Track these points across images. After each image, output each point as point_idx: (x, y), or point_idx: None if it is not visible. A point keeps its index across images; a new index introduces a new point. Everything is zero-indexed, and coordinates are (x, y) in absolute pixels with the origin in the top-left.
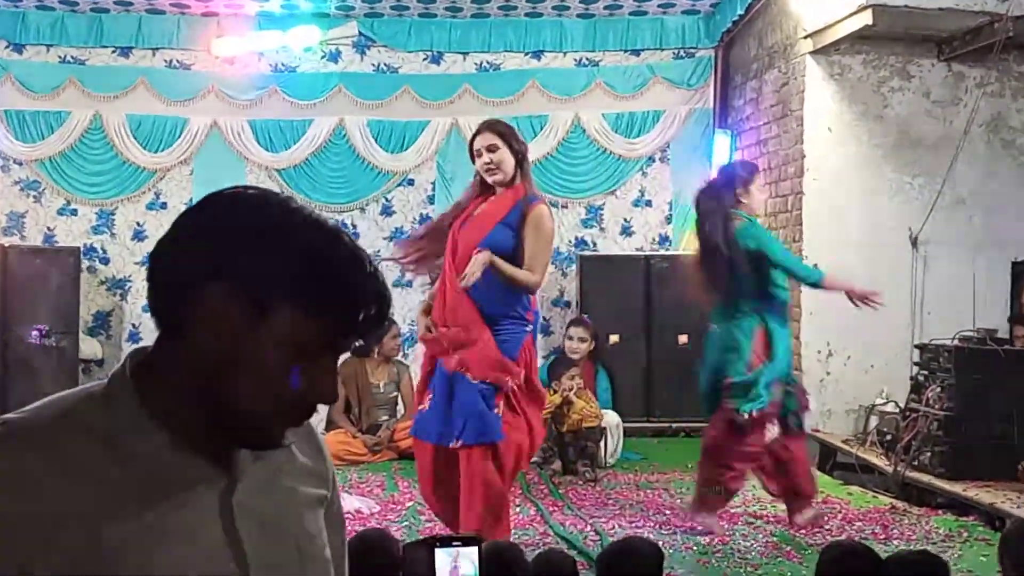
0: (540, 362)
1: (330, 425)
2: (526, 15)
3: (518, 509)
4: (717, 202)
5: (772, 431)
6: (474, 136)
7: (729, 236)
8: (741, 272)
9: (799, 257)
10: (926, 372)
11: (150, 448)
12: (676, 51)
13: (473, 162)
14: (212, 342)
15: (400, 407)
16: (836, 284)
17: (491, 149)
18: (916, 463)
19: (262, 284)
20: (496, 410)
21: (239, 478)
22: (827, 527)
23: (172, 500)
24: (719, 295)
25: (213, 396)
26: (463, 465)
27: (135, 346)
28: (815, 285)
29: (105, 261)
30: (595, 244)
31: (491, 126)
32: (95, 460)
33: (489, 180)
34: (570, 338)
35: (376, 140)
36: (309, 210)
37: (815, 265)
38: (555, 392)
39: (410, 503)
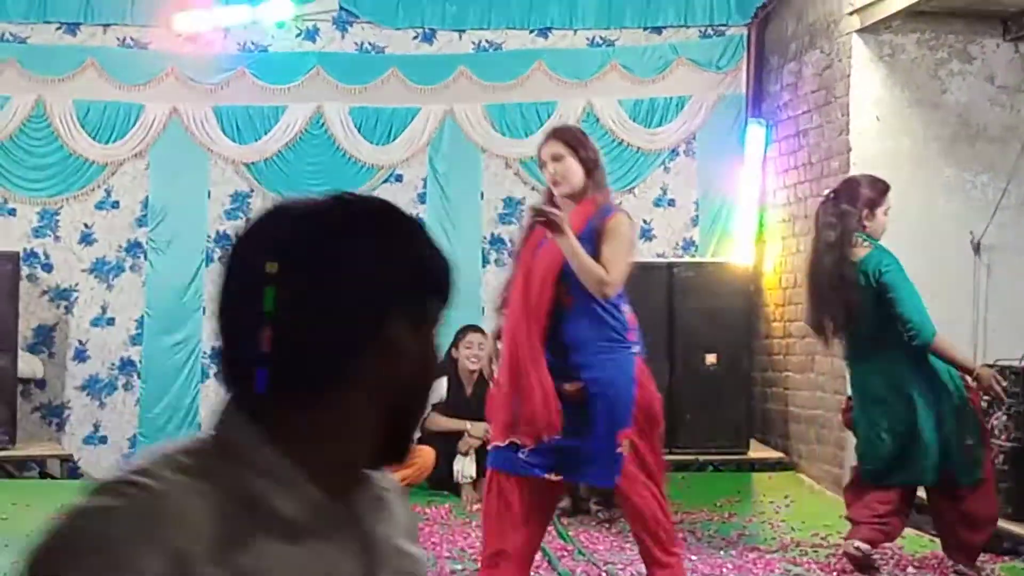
0: None
1: None
2: None
3: None
4: (840, 221)
5: None
6: (541, 145)
7: (845, 267)
8: (860, 309)
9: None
10: (989, 398)
11: (298, 493)
12: (703, 29)
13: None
14: (396, 367)
15: None
16: (950, 355)
17: (556, 159)
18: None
19: (416, 291)
20: None
21: (363, 518)
22: None
23: (321, 542)
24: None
25: (393, 420)
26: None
27: (80, 364)
28: (925, 346)
29: (48, 268)
30: None
31: (556, 133)
32: (243, 505)
33: (556, 193)
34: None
35: (359, 130)
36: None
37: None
38: None
39: None
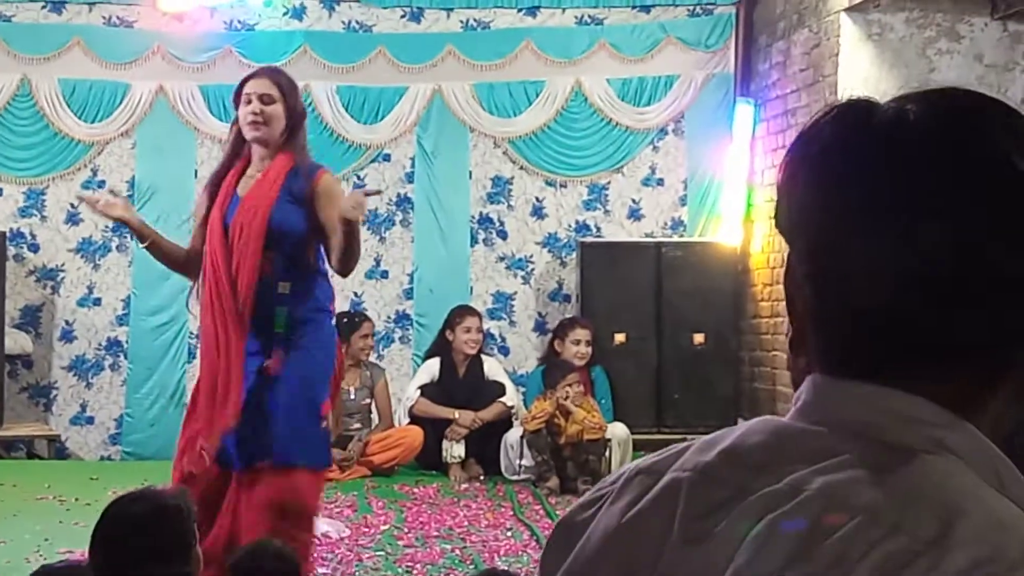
0: (533, 365)
1: None
2: None
3: (510, 533)
4: None
5: None
6: (248, 79)
7: None
8: None
9: None
10: None
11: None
12: (692, 8)
13: (236, 108)
14: None
15: (374, 416)
16: None
17: (265, 100)
18: None
19: None
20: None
21: None
22: None
23: None
24: None
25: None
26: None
27: (67, 345)
28: None
29: (34, 248)
30: (598, 229)
31: (271, 72)
32: None
33: (250, 136)
34: (576, 342)
35: (347, 109)
36: None
37: None
38: (547, 399)
39: (385, 527)
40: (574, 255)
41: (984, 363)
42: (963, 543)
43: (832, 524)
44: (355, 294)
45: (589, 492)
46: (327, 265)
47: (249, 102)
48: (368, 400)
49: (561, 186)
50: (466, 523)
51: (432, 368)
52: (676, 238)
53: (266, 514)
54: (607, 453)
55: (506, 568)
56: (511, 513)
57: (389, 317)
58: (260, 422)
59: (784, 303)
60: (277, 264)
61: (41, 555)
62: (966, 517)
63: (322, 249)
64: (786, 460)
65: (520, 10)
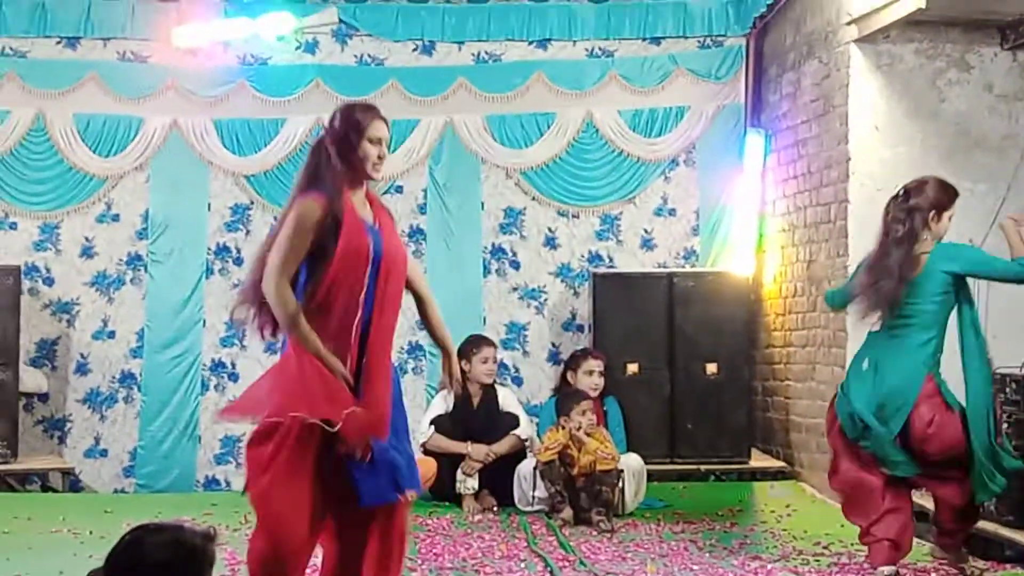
0: (547, 396)
1: None
2: None
3: (523, 564)
4: (908, 217)
5: None
6: (369, 118)
7: (907, 263)
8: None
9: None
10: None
11: None
12: (702, 39)
13: (351, 145)
14: None
15: None
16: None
17: (386, 143)
18: (980, 510)
19: None
20: None
21: None
22: None
23: None
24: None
25: None
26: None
27: (81, 378)
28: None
29: (49, 282)
30: (611, 259)
31: (385, 119)
32: None
33: (375, 175)
34: (588, 373)
35: None
36: None
37: None
38: (560, 429)
39: None
40: (587, 285)
41: None
42: None
43: None
44: None
45: None
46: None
47: (378, 143)
48: None
49: (573, 216)
50: (480, 554)
51: (446, 399)
52: (688, 268)
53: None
54: (620, 484)
55: None
56: (525, 544)
57: (402, 348)
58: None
59: (797, 332)
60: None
61: None
62: None
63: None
64: None
65: (531, 43)
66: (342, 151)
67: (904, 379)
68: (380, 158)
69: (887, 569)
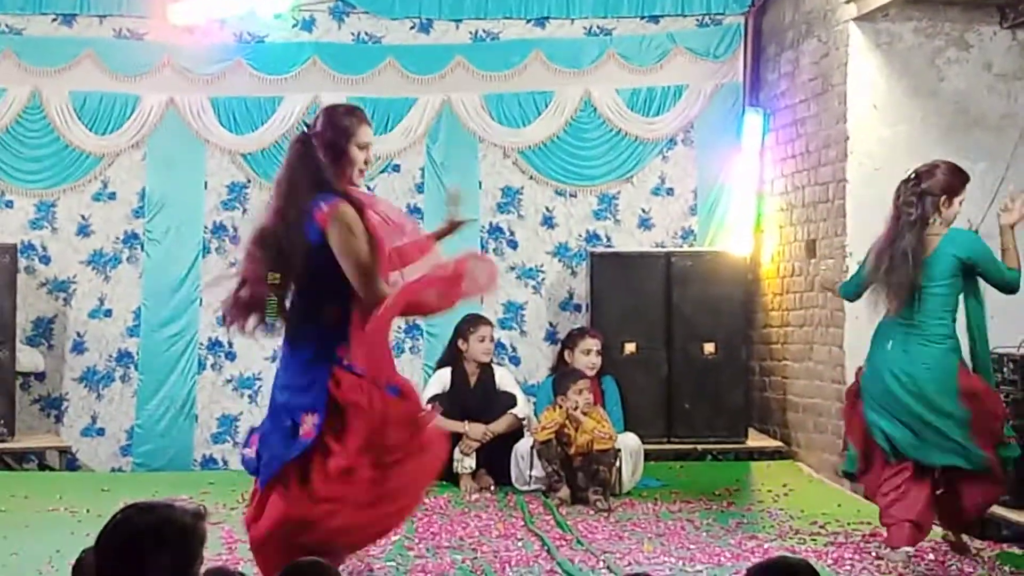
0: (544, 375)
1: None
2: None
3: (520, 543)
4: (919, 202)
5: None
6: (356, 123)
7: (918, 247)
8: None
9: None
10: None
11: None
12: (700, 17)
13: (341, 150)
14: None
15: None
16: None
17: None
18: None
19: None
20: None
21: None
22: (876, 563)
23: None
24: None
25: None
26: None
27: (78, 356)
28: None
29: (45, 260)
30: (608, 239)
31: (368, 119)
32: None
33: (358, 181)
34: (586, 352)
35: None
36: None
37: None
38: (557, 408)
39: (395, 537)
40: (584, 265)
41: None
42: None
43: None
44: None
45: None
46: None
47: (366, 149)
48: None
49: (571, 196)
50: (477, 533)
51: (443, 378)
52: (686, 248)
53: None
54: (617, 463)
55: None
56: (522, 523)
57: (399, 328)
58: None
59: (794, 312)
60: None
61: (52, 567)
62: None
63: None
64: None
65: (529, 21)
66: (331, 155)
67: (937, 372)
68: (366, 163)
69: (909, 549)
